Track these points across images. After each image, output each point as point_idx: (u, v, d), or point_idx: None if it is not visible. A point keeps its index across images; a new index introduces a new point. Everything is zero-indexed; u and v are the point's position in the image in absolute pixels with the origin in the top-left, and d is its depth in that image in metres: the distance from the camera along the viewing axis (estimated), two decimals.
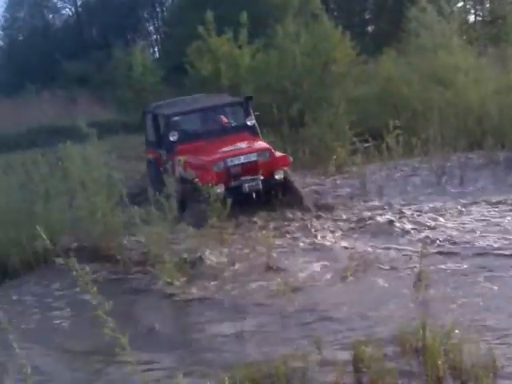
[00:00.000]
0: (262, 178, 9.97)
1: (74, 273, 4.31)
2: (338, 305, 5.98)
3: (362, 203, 9.62)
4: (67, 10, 47.16)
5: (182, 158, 10.57)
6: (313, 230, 8.55)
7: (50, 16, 47.39)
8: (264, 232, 7.97)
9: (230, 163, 10.04)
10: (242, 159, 10.12)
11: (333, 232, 8.37)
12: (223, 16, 25.95)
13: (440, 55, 15.03)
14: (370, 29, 38.90)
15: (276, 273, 6.98)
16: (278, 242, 7.96)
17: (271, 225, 9.06)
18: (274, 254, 7.35)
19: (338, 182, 10.90)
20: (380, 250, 7.38)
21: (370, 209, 9.21)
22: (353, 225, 8.62)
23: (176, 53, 28.73)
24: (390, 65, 17.29)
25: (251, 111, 11.54)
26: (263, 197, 9.87)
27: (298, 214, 9.44)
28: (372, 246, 7.52)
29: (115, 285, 7.27)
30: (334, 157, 11.03)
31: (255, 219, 9.40)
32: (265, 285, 6.64)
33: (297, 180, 10.53)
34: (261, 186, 9.85)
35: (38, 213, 8.72)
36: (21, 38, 45.22)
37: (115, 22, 40.13)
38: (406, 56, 17.30)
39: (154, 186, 10.18)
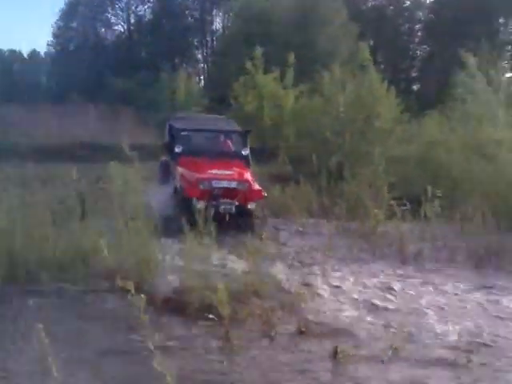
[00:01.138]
0: (236, 203, 11.60)
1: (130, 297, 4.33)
2: None
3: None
4: (120, 26, 48.07)
5: (180, 169, 12.43)
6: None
7: (102, 30, 48.30)
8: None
9: (214, 185, 11.80)
10: (225, 184, 11.89)
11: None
12: (271, 54, 26.32)
13: (484, 127, 15.01)
14: (415, 87, 39.14)
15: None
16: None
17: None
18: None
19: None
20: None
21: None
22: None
23: (221, 84, 29.14)
24: (434, 128, 17.31)
25: (248, 143, 13.42)
26: (234, 220, 11.26)
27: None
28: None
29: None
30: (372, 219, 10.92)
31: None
32: None
33: (263, 215, 11.98)
34: (234, 211, 11.48)
35: (74, 232, 8.73)
36: (71, 49, 46.07)
37: (165, 44, 40.77)
38: (450, 121, 17.29)
39: (161, 182, 13.55)
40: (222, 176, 12.05)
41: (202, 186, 11.73)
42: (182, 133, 13.39)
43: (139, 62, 40.51)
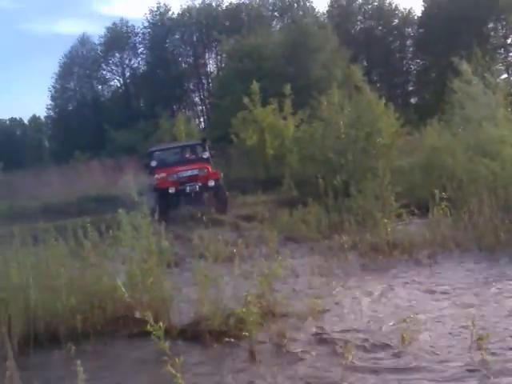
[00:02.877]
0: (199, 184, 16.85)
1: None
2: None
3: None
4: (116, 81, 48.76)
5: (156, 176, 17.37)
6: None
7: (99, 87, 48.96)
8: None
9: (180, 175, 17.11)
10: (189, 173, 17.18)
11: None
12: (267, 88, 26.59)
13: (485, 127, 14.97)
14: (412, 100, 39.29)
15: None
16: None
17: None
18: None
19: None
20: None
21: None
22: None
23: (222, 123, 29.42)
24: (435, 135, 17.30)
25: (207, 148, 19.16)
26: (200, 195, 16.70)
27: None
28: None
29: None
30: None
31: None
32: None
33: (225, 190, 17.36)
34: (198, 189, 16.77)
35: (89, 280, 8.73)
36: (70, 108, 46.68)
37: (162, 93, 41.26)
38: (450, 127, 17.30)
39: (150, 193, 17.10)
40: (186, 169, 17.33)
41: (170, 178, 16.95)
42: (155, 152, 19.12)
43: (138, 113, 41.04)
